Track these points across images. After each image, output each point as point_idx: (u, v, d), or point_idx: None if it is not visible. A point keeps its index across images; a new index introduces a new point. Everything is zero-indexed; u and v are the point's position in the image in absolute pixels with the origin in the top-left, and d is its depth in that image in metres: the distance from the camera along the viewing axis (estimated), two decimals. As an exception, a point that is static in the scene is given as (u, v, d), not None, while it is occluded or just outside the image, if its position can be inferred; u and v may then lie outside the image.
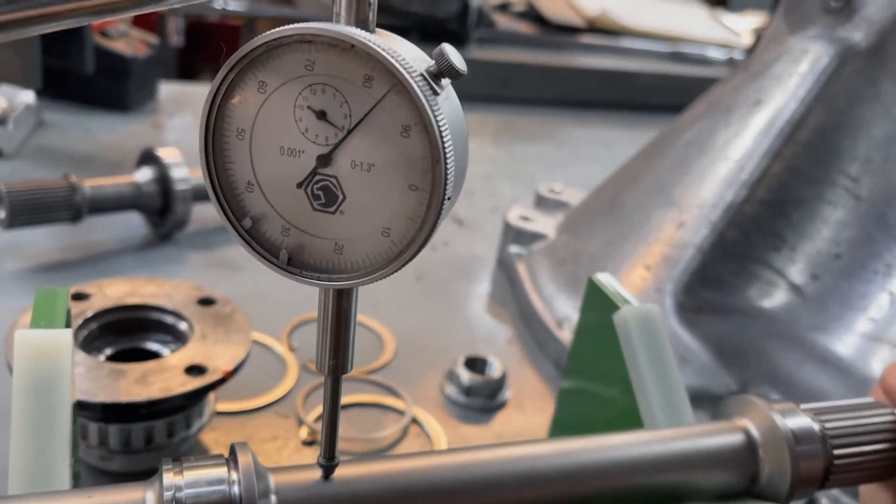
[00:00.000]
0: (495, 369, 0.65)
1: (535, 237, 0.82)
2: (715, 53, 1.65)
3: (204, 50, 1.74)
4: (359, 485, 0.31)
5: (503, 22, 1.54)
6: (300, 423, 0.58)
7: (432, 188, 0.24)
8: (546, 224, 0.84)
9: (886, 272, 0.63)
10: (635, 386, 0.42)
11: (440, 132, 0.23)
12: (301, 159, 0.25)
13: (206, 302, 0.55)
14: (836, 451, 0.38)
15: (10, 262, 0.71)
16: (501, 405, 0.64)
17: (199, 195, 0.78)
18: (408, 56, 0.24)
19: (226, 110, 0.25)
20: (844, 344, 0.62)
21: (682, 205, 0.68)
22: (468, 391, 0.63)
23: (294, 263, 0.26)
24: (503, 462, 0.35)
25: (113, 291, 0.55)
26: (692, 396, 0.60)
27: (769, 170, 0.66)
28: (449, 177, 0.24)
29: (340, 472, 0.31)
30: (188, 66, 2.27)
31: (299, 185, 0.25)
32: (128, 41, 1.07)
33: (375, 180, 0.25)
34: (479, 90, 1.36)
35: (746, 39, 1.76)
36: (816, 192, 0.66)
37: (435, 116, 0.23)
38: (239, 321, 0.54)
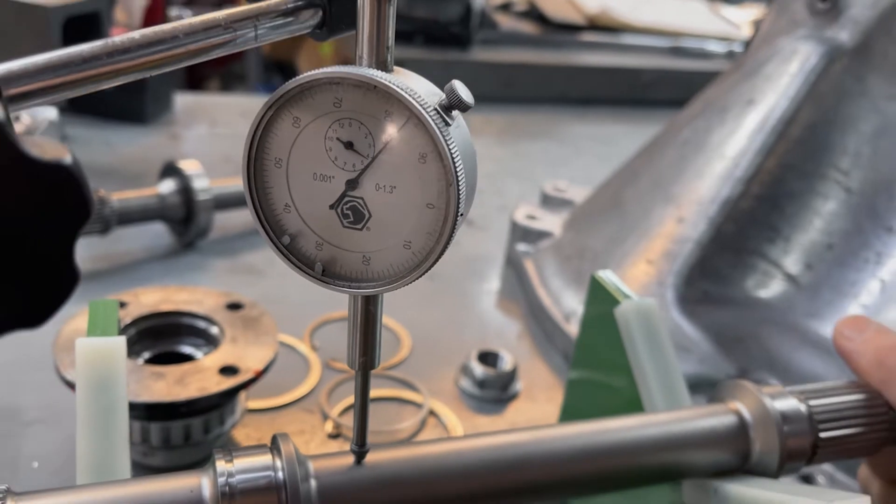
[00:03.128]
0: (507, 362, 0.68)
1: (542, 235, 0.85)
2: (715, 47, 1.68)
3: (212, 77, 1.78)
4: (387, 468, 0.35)
5: (505, 22, 1.58)
6: (325, 417, 0.61)
7: (447, 206, 0.28)
8: (552, 222, 0.87)
9: (877, 260, 0.67)
10: (636, 374, 0.46)
11: (452, 159, 0.27)
12: (332, 184, 0.29)
13: (234, 307, 0.59)
14: (822, 430, 0.42)
15: (45, 274, 0.75)
16: (514, 396, 0.68)
17: (219, 204, 0.82)
18: (422, 91, 0.27)
19: (265, 142, 0.29)
20: (838, 330, 0.65)
21: (681, 201, 0.71)
22: (481, 384, 0.67)
23: (327, 274, 0.30)
24: (516, 445, 0.38)
25: (147, 299, 0.59)
26: (694, 383, 0.63)
27: (763, 166, 0.69)
28: (461, 196, 0.27)
29: (371, 457, 0.35)
30: (195, 70, 2.30)
31: (331, 207, 0.29)
32: (143, 56, 1.11)
33: (397, 200, 0.28)
34: (484, 91, 1.39)
35: (746, 31, 1.79)
36: (808, 186, 0.69)
37: (448, 145, 0.27)
38: (266, 324, 0.58)
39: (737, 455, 0.41)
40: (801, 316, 0.67)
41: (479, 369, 0.67)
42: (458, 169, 0.27)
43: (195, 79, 2.66)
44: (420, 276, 0.29)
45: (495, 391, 0.67)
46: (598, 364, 0.52)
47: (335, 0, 0.29)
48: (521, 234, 0.86)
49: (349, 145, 0.28)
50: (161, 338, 0.58)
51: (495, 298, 0.83)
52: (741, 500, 0.39)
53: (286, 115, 0.28)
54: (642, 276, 0.70)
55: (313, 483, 0.33)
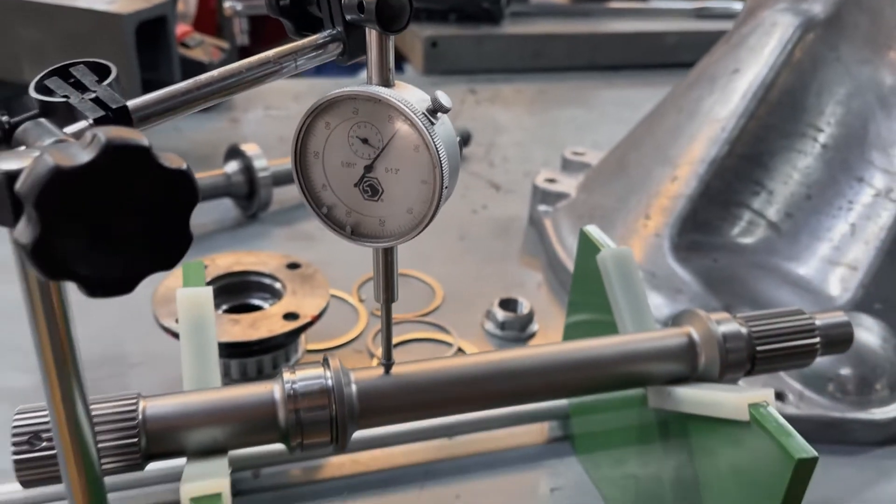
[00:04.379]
0: (524, 307, 0.80)
1: (560, 196, 0.96)
2: (739, 6, 1.72)
3: (261, 41, 1.91)
4: (407, 376, 0.46)
5: (535, -6, 1.66)
6: (371, 356, 0.74)
7: (434, 182, 0.39)
8: (569, 184, 0.97)
9: (849, 207, 0.75)
10: (613, 307, 0.56)
11: (436, 148, 0.38)
12: (354, 168, 0.40)
13: (293, 266, 0.72)
14: (759, 347, 0.52)
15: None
16: (531, 336, 0.79)
17: (277, 180, 0.95)
18: (414, 100, 0.39)
19: (306, 141, 0.40)
20: (812, 268, 0.75)
21: (677, 162, 0.81)
22: (503, 326, 0.78)
23: (355, 234, 0.41)
24: (513, 359, 0.50)
25: (222, 262, 0.72)
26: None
27: (746, 127, 0.78)
28: (445, 175, 0.38)
29: (395, 369, 0.46)
30: (247, 51, 2.42)
31: (355, 185, 0.40)
32: (204, 48, 1.24)
33: (401, 179, 0.40)
34: (514, 63, 1.48)
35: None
36: (788, 144, 0.78)
37: (433, 139, 0.38)
38: (319, 280, 0.70)
39: (687, 366, 0.52)
40: (782, 259, 0.76)
41: (500, 314, 0.78)
42: (441, 156, 0.38)
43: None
44: (419, 233, 0.40)
45: (515, 332, 0.78)
46: (587, 303, 0.63)
47: (351, 36, 0.40)
48: (542, 196, 0.97)
49: (365, 141, 0.40)
50: (235, 293, 0.71)
51: (519, 254, 0.94)
52: (684, 398, 0.49)
53: (320, 121, 0.40)
54: (642, 230, 0.80)
55: (353, 387, 0.45)
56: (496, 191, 1.08)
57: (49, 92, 0.36)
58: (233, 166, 0.93)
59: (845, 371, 0.68)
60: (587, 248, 0.61)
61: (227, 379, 0.65)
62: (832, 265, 0.73)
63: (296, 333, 0.64)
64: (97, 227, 0.29)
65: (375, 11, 0.37)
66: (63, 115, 0.35)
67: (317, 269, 0.71)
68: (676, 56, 1.56)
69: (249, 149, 0.93)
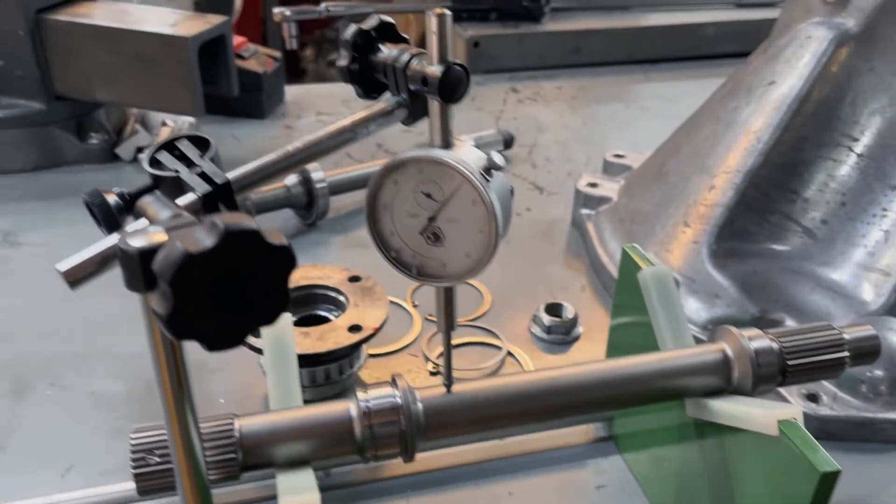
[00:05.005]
0: (569, 312, 0.85)
1: (602, 200, 1.00)
2: (781, -8, 1.73)
3: (299, 63, 1.95)
4: (467, 394, 0.52)
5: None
6: (426, 359, 0.80)
7: (490, 232, 0.44)
8: (610, 188, 1.02)
9: (883, 214, 0.78)
10: (653, 322, 0.61)
11: (491, 203, 0.43)
12: (419, 218, 0.46)
13: (354, 279, 0.78)
14: (789, 362, 0.56)
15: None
16: (576, 338, 0.84)
17: (334, 190, 1.01)
18: (472, 159, 0.44)
19: (378, 195, 0.46)
20: (846, 274, 0.78)
21: (714, 172, 0.84)
22: (549, 330, 0.83)
23: (420, 274, 0.47)
24: (563, 377, 0.55)
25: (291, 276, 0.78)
26: (723, 323, 0.78)
27: (782, 138, 0.81)
28: (499, 226, 0.44)
29: (456, 387, 0.52)
30: (294, 54, 2.49)
31: (419, 233, 0.46)
32: (258, 58, 1.31)
33: (460, 228, 0.45)
34: (554, 60, 1.52)
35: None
36: (823, 154, 0.81)
37: (488, 195, 0.43)
38: (378, 291, 0.76)
39: (722, 380, 0.57)
40: (817, 265, 0.80)
41: (546, 318, 0.84)
42: (495, 210, 0.43)
43: (295, 65, 2.93)
44: (477, 275, 0.46)
45: (560, 335, 0.83)
46: (630, 309, 0.67)
47: (415, 102, 0.45)
48: (584, 199, 1.01)
49: (428, 195, 0.45)
50: (303, 304, 0.77)
51: (562, 257, 0.98)
52: (719, 410, 0.54)
53: (389, 179, 0.45)
54: (681, 236, 0.85)
55: (420, 405, 0.51)
56: (539, 193, 1.12)
57: (160, 165, 0.42)
58: (292, 179, 0.99)
59: (878, 373, 0.71)
60: (629, 264, 0.65)
61: (299, 385, 0.72)
62: (866, 270, 0.77)
63: (359, 344, 0.70)
64: (217, 296, 0.35)
65: (438, 85, 0.42)
66: (172, 186, 0.41)
67: (376, 282, 0.77)
68: (716, 47, 1.58)
69: (307, 162, 0.99)
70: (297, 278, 0.78)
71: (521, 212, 1.07)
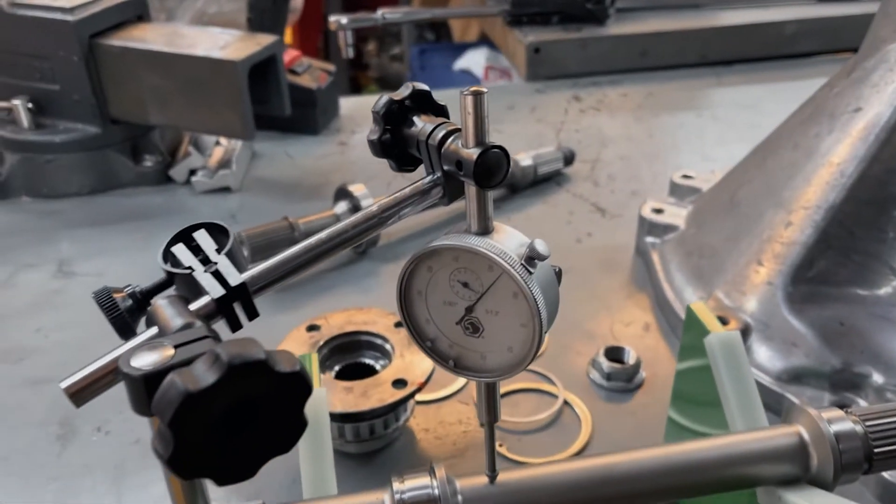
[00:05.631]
0: (631, 356, 0.79)
1: (668, 228, 0.94)
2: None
3: (362, 57, 1.92)
4: (512, 485, 0.48)
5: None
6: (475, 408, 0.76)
7: (534, 327, 0.40)
8: (677, 214, 0.95)
9: (985, 258, 0.70)
10: (721, 396, 0.56)
11: (534, 298, 0.39)
12: (456, 307, 0.42)
13: (400, 325, 0.74)
14: (877, 448, 0.50)
15: (254, 286, 0.94)
16: (639, 386, 0.79)
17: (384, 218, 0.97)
18: (513, 247, 0.39)
19: (410, 280, 0.42)
20: (942, 325, 0.70)
21: (791, 206, 0.77)
22: (608, 377, 0.78)
23: (458, 366, 0.43)
24: (618, 465, 0.50)
25: (335, 321, 0.75)
26: (800, 375, 0.72)
27: (868, 172, 0.74)
28: (543, 322, 0.39)
29: (501, 477, 0.48)
30: (354, 61, 2.46)
31: (456, 323, 0.42)
32: (311, 73, 1.28)
33: (501, 321, 0.41)
34: (620, 65, 1.44)
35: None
36: (916, 188, 0.73)
37: (530, 289, 0.39)
38: (426, 340, 0.72)
39: (799, 468, 0.51)
40: (908, 311, 0.72)
41: (605, 364, 0.78)
42: (538, 305, 0.39)
43: (356, 67, 2.91)
44: (520, 372, 0.41)
45: (621, 382, 0.78)
46: (695, 372, 0.62)
47: (450, 182, 0.41)
48: (648, 227, 0.95)
49: (465, 284, 0.41)
50: (348, 352, 0.74)
51: (625, 289, 0.93)
52: (795, 506, 0.49)
53: (423, 265, 0.41)
54: (754, 276, 0.78)
55: (459, 497, 0.47)
56: (602, 215, 1.07)
57: (174, 259, 0.39)
58: (342, 207, 0.97)
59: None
60: (693, 325, 0.60)
61: (342, 440, 0.69)
62: (964, 322, 0.69)
63: (404, 401, 0.67)
64: (224, 431, 0.31)
65: (473, 170, 0.38)
66: (187, 283, 0.38)
67: (424, 329, 0.73)
68: (795, 46, 1.48)
69: (357, 190, 0.96)
70: (343, 323, 0.75)
71: (581, 238, 1.02)
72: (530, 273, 0.39)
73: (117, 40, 1.06)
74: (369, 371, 0.72)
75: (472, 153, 0.38)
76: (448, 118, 0.43)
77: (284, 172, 1.19)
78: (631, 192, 1.11)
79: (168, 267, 0.38)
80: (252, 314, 0.37)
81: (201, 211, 1.10)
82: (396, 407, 0.68)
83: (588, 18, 1.44)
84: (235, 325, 0.37)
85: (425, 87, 0.43)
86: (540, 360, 0.82)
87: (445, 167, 0.40)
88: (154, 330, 0.36)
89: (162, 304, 0.37)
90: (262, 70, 1.08)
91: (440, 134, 0.40)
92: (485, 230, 0.40)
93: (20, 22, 1.05)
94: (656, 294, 0.90)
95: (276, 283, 0.38)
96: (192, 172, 1.14)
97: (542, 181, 1.13)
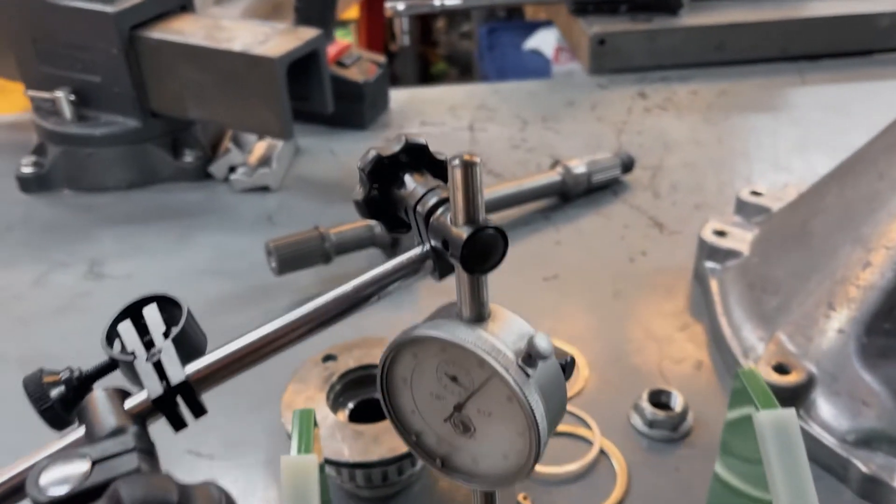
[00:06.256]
0: (678, 402, 0.72)
1: (730, 254, 0.85)
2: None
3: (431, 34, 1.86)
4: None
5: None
6: (504, 452, 0.70)
7: (530, 438, 0.33)
8: (741, 238, 0.86)
9: None
10: (770, 482, 0.48)
11: (531, 408, 0.32)
12: (444, 401, 0.36)
13: (422, 360, 0.69)
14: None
15: (284, 297, 0.90)
16: (686, 434, 0.71)
17: (420, 230, 0.91)
18: (509, 341, 0.33)
19: (394, 366, 0.36)
20: None
21: (871, 244, 0.68)
22: (651, 424, 0.71)
23: (446, 466, 0.37)
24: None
25: (353, 350, 0.70)
26: (871, 438, 0.64)
27: (966, 211, 0.64)
28: (542, 434, 0.33)
29: (500, 577, 0.42)
30: (426, 23, 2.39)
31: (444, 420, 0.36)
32: (360, 65, 1.22)
33: (495, 424, 0.34)
34: (692, 59, 1.34)
35: None
36: None
37: (526, 396, 0.32)
38: (448, 379, 0.67)
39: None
40: None
41: (649, 409, 0.71)
42: (536, 415, 0.32)
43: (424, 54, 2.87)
44: (517, 482, 0.35)
45: (666, 431, 0.71)
46: (740, 456, 0.54)
47: (440, 257, 0.35)
48: (709, 250, 0.86)
49: (454, 379, 0.35)
50: (363, 387, 0.69)
51: (679, 320, 0.84)
52: None
53: (408, 351, 0.35)
54: (823, 320, 0.69)
55: None
56: (659, 231, 0.98)
57: (119, 341, 0.34)
58: (377, 216, 0.91)
59: None
60: (742, 393, 0.52)
61: (353, 484, 0.64)
62: None
63: (419, 449, 0.61)
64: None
65: (461, 252, 0.31)
66: (130, 370, 0.33)
67: (447, 366, 0.68)
68: (890, 40, 1.34)
69: (393, 199, 0.90)
70: (360, 355, 0.70)
71: (635, 257, 0.94)
72: (528, 376, 0.33)
73: (156, 32, 1.03)
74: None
75: (461, 232, 0.31)
76: (446, 180, 0.36)
77: (327, 171, 1.14)
78: (694, 206, 1.02)
79: (111, 351, 0.33)
80: (198, 412, 0.32)
81: (239, 210, 1.06)
82: (408, 456, 0.63)
83: (660, 8, 1.34)
84: (179, 424, 0.32)
85: (421, 140, 0.37)
86: (577, 399, 0.75)
87: (432, 242, 0.33)
88: (81, 432, 0.31)
89: (97, 399, 0.32)
90: (305, 65, 1.02)
91: (431, 201, 0.34)
92: (478, 317, 0.34)
93: (61, 11, 1.03)
94: (712, 328, 0.81)
95: (228, 376, 0.33)
96: (232, 169, 1.10)
97: (596, 189, 1.05)
